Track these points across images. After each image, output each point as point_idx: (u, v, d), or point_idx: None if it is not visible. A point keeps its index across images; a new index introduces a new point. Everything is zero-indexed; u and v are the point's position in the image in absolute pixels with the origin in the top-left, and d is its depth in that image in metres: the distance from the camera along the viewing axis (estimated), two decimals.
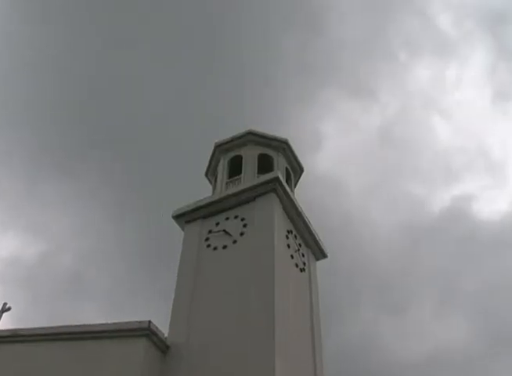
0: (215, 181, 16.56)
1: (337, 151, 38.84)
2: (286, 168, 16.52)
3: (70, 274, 33.10)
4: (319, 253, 15.08)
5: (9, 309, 12.70)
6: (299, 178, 17.38)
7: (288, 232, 13.69)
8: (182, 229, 14.36)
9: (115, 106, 33.83)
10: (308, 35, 39.80)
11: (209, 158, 17.11)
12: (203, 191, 16.85)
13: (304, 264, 14.02)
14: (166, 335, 11.27)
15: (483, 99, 44.21)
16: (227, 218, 13.69)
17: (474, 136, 42.98)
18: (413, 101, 41.62)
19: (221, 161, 16.50)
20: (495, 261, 33.38)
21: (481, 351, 29.44)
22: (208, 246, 13.29)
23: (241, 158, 16.12)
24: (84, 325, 11.23)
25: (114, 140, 34.02)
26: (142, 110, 33.71)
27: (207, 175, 17.39)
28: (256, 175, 15.18)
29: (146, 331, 10.70)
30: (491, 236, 35.46)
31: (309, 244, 14.74)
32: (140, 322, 10.84)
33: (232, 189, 14.37)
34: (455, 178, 41.10)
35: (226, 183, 15.51)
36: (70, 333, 11.20)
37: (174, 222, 14.56)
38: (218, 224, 13.68)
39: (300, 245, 14.18)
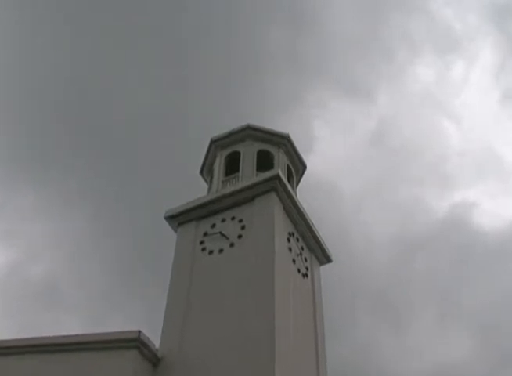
0: (211, 179, 16.43)
1: (330, 154, 38.40)
2: (288, 166, 16.39)
3: (44, 285, 32.92)
4: (323, 257, 14.96)
5: None
6: (301, 176, 17.28)
7: (289, 234, 13.56)
8: (175, 232, 14.22)
9: (94, 104, 33.72)
10: (298, 31, 39.57)
11: (204, 155, 16.94)
12: (197, 190, 16.74)
13: (307, 269, 13.89)
14: (157, 347, 11.13)
15: (490, 100, 44.00)
16: (223, 220, 13.55)
17: (480, 140, 42.54)
18: (413, 102, 41.26)
19: (218, 158, 16.36)
20: (498, 272, 33.18)
21: (484, 369, 29.35)
22: (203, 250, 13.16)
23: (239, 155, 15.97)
24: (69, 336, 11.08)
25: (93, 140, 33.81)
26: (126, 108, 33.63)
27: (201, 172, 17.24)
28: (255, 172, 15.04)
29: (135, 342, 10.54)
30: (494, 246, 35.19)
31: (312, 248, 14.61)
32: (129, 332, 10.70)
33: (229, 188, 14.22)
34: (456, 184, 40.79)
35: (223, 182, 15.39)
36: (53, 344, 11.01)
37: (165, 225, 14.39)
38: (213, 226, 13.55)
39: (302, 249, 14.06)
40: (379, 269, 32.74)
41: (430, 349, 30.17)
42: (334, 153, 38.51)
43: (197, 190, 16.75)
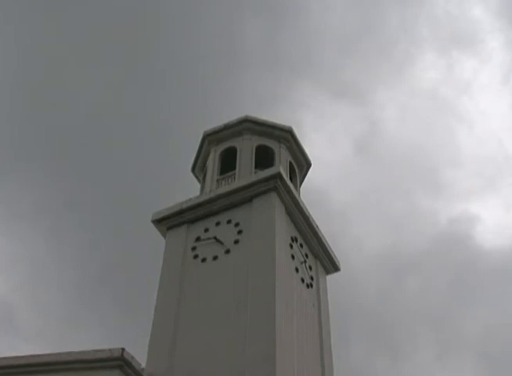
0: (204, 178, 16.35)
1: (318, 160, 37.91)
2: (290, 163, 16.33)
3: None
4: (330, 265, 14.89)
5: None
6: (305, 174, 17.26)
7: (292, 239, 13.47)
8: (164, 237, 14.13)
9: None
10: (280, 22, 39.30)
11: (197, 150, 16.86)
12: (189, 190, 16.77)
13: (312, 278, 13.81)
14: (143, 366, 10.90)
15: (499, 103, 43.83)
16: (218, 223, 13.48)
17: (488, 144, 42.20)
18: (413, 103, 41.12)
19: (212, 154, 16.26)
20: (502, 293, 33.11)
21: None
22: (195, 257, 13.07)
23: (235, 150, 15.86)
24: (42, 355, 10.78)
25: (57, 140, 34.00)
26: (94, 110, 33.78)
27: (193, 170, 17.20)
28: (253, 170, 14.99)
29: (119, 361, 10.28)
30: (497, 264, 35.03)
31: (318, 255, 14.51)
32: (112, 350, 10.42)
33: (225, 188, 14.13)
34: (457, 196, 40.53)
35: (217, 181, 15.31)
36: (23, 365, 10.71)
37: (150, 229, 14.38)
38: (207, 230, 13.47)
39: (306, 256, 13.95)
40: (371, 287, 33.16)
41: None
42: (323, 159, 38.06)
43: (189, 190, 16.81)
